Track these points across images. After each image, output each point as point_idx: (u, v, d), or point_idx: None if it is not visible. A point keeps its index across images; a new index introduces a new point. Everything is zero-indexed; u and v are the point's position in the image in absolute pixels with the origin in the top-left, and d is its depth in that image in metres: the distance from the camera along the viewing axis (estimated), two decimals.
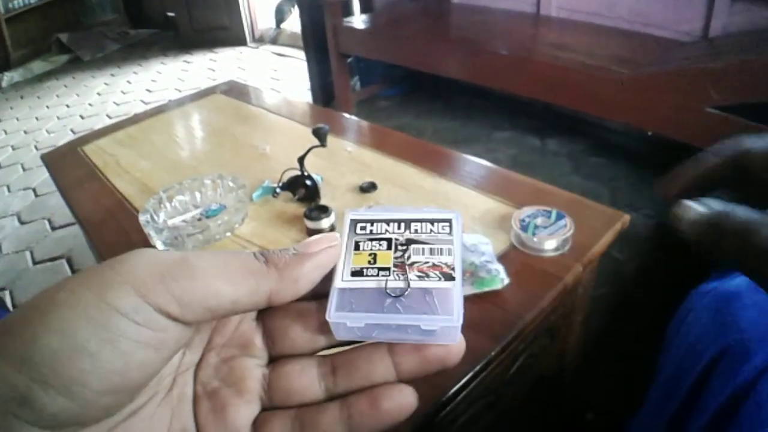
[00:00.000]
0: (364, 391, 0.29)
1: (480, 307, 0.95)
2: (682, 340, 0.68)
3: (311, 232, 1.16)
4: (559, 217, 1.08)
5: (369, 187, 1.30)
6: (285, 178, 1.30)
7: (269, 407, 0.30)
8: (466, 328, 0.85)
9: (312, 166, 1.29)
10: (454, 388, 0.82)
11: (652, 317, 1.70)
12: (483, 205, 1.22)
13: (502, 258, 1.05)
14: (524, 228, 1.07)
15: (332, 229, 1.17)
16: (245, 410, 0.29)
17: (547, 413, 1.43)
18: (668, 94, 1.94)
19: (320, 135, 1.22)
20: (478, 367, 0.85)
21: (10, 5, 5.42)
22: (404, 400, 0.29)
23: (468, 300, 0.96)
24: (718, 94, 1.82)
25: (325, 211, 1.16)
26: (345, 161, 1.45)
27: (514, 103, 3.09)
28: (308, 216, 1.16)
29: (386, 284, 0.30)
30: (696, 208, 0.32)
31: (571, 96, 2.26)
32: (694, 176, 0.36)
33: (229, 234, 1.21)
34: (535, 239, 1.05)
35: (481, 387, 0.97)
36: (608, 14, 2.67)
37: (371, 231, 0.33)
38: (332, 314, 0.29)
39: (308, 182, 1.26)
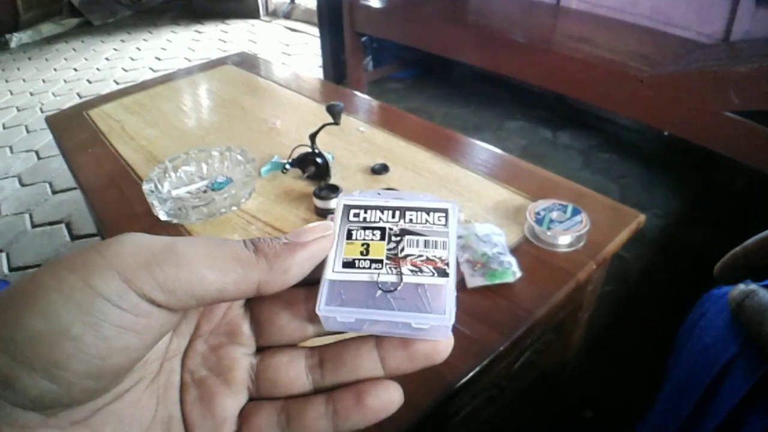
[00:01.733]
0: (351, 386, 0.29)
1: (490, 299, 0.92)
2: (695, 344, 0.66)
3: (320, 212, 1.14)
4: (575, 212, 1.06)
5: (381, 169, 1.27)
6: (295, 155, 1.27)
7: (256, 397, 0.30)
8: (476, 321, 0.82)
9: (323, 144, 1.26)
10: (462, 381, 0.79)
11: (656, 318, 1.69)
12: (496, 195, 1.19)
13: (515, 250, 1.03)
14: (539, 221, 1.04)
15: None
16: (232, 400, 0.30)
17: (546, 408, 1.41)
18: (688, 95, 1.91)
19: (334, 112, 1.19)
20: (486, 361, 0.82)
21: None
22: (389, 397, 0.29)
23: (478, 292, 0.93)
24: (739, 99, 1.78)
25: (334, 190, 1.13)
26: (357, 141, 1.42)
27: (526, 93, 3.06)
28: (317, 195, 1.13)
29: (378, 278, 0.29)
30: (738, 286, 0.35)
31: (588, 90, 2.23)
32: (736, 255, 0.38)
33: (234, 208, 1.18)
34: (549, 233, 1.02)
35: (486, 381, 0.95)
36: (629, 10, 2.63)
37: (365, 219, 0.32)
38: (322, 307, 0.28)
39: (319, 160, 1.23)
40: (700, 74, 1.94)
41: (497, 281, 0.94)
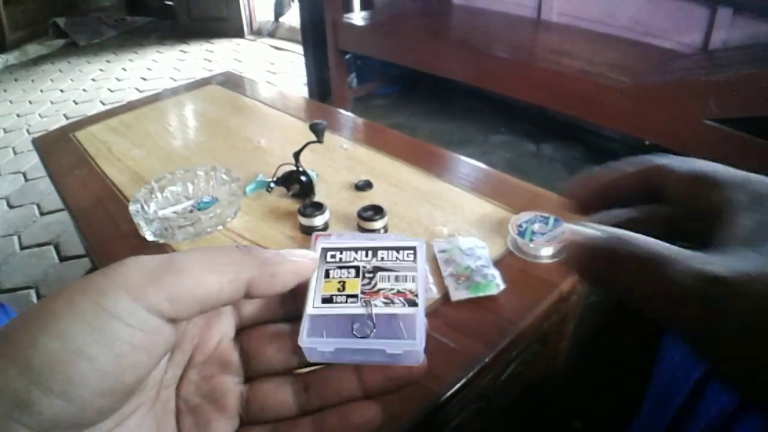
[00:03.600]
0: (335, 407, 0.31)
1: (475, 312, 0.94)
2: (676, 352, 0.67)
3: (305, 229, 1.15)
4: (557, 223, 1.07)
5: (365, 186, 1.28)
6: (279, 173, 1.28)
7: (247, 422, 0.32)
8: (461, 334, 0.84)
9: (307, 162, 1.28)
10: (448, 393, 0.80)
11: (642, 326, 1.70)
12: (479, 209, 1.21)
13: (498, 263, 1.04)
14: (521, 233, 1.06)
15: (326, 227, 1.15)
16: (226, 425, 0.31)
17: (534, 420, 1.41)
18: (667, 105, 1.94)
19: (317, 131, 1.20)
20: (471, 374, 0.83)
21: None
22: (371, 415, 0.31)
23: (462, 305, 0.95)
24: (718, 107, 1.81)
25: (319, 208, 1.14)
26: (341, 158, 1.44)
27: (510, 107, 3.09)
28: (302, 213, 1.14)
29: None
30: (586, 231, 0.26)
31: (569, 102, 2.26)
32: (601, 183, 0.32)
33: (220, 227, 1.19)
34: (531, 245, 1.04)
35: (473, 393, 0.96)
36: (609, 22, 2.67)
37: (340, 259, 0.34)
38: (304, 339, 0.31)
39: (303, 178, 1.24)
40: (679, 84, 1.98)
41: (481, 294, 0.95)
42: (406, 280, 0.33)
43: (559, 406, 1.48)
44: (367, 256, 0.34)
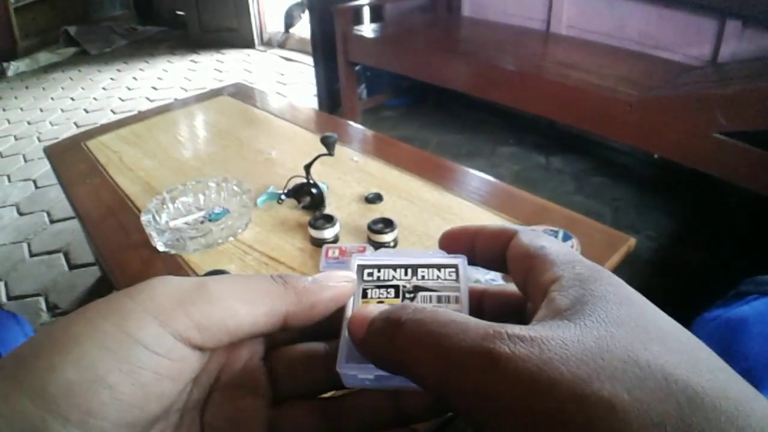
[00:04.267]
0: None
1: None
2: None
3: (315, 241, 1.15)
4: (566, 237, 1.07)
5: (375, 199, 1.29)
6: (290, 185, 1.29)
7: None
8: None
9: (317, 174, 1.28)
10: None
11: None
12: (488, 222, 1.21)
13: (507, 277, 1.04)
14: None
15: (336, 239, 1.15)
16: None
17: None
18: (676, 119, 1.94)
19: (328, 144, 1.21)
20: None
21: None
22: None
23: None
24: (726, 120, 1.81)
25: (330, 220, 1.15)
26: (351, 170, 1.45)
27: (519, 119, 3.10)
28: (313, 225, 1.15)
29: None
30: (370, 306, 0.27)
31: (578, 115, 2.26)
32: (466, 234, 0.32)
33: (231, 239, 1.20)
34: None
35: None
36: (618, 35, 2.67)
37: (378, 277, 0.32)
38: (342, 365, 0.28)
39: (314, 190, 1.25)
40: (687, 97, 1.98)
41: None
42: (449, 301, 0.31)
43: None
44: (406, 274, 0.32)
